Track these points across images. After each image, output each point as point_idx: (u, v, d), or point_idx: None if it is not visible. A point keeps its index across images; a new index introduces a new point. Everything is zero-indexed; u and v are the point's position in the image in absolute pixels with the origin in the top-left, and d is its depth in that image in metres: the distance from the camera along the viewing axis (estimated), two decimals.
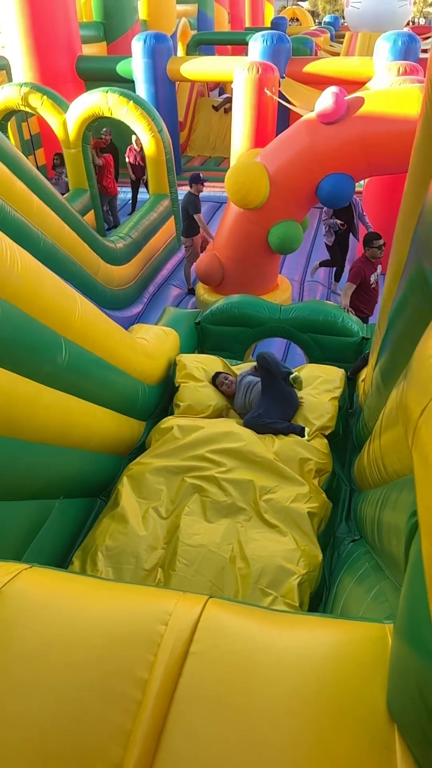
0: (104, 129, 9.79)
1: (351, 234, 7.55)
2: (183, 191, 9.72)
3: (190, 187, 7.52)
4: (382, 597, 2.01)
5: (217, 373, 4.53)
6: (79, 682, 1.21)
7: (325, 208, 7.53)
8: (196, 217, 7.52)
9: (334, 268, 8.23)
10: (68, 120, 8.02)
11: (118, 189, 10.03)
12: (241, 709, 1.15)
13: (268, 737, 1.12)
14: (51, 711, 1.17)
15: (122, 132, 9.55)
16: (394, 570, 1.98)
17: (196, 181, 7.49)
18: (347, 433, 4.44)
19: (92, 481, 3.57)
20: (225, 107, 14.25)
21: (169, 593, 1.46)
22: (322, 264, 8.04)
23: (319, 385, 4.35)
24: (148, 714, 1.11)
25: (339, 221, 7.30)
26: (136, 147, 9.53)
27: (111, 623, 1.35)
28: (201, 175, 7.64)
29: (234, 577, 2.85)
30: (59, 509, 3.12)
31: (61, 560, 3.12)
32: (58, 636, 1.32)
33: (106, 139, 9.69)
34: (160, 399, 4.51)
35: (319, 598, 3.02)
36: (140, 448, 4.02)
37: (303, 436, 3.87)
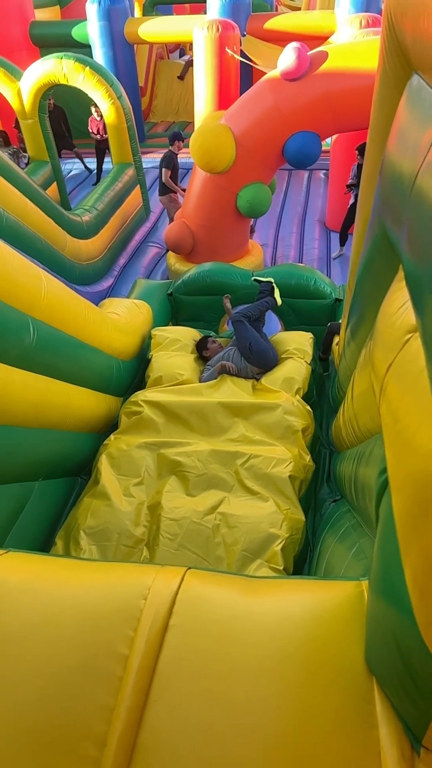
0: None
1: None
2: (147, 159, 9.44)
3: (171, 145, 7.36)
4: (362, 554, 2.04)
5: (206, 336, 4.62)
6: (62, 663, 1.21)
7: (352, 171, 7.26)
8: (163, 171, 7.38)
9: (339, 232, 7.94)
10: (22, 89, 7.71)
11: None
12: (223, 676, 1.16)
13: (249, 701, 1.13)
14: (35, 693, 1.17)
15: (78, 97, 9.15)
16: (370, 526, 2.01)
17: (177, 138, 7.33)
18: (323, 396, 4.47)
19: (71, 461, 3.55)
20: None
21: (148, 568, 1.46)
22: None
23: (293, 353, 4.39)
24: (130, 689, 1.12)
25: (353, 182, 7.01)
26: (96, 117, 9.20)
27: (91, 602, 1.35)
28: (182, 132, 7.43)
29: (218, 545, 2.88)
30: (39, 491, 3.10)
31: (44, 542, 3.11)
32: (39, 618, 1.32)
33: (49, 103, 9.27)
34: (136, 374, 4.47)
35: (303, 560, 3.07)
36: (118, 424, 4.00)
37: (274, 297, 4.57)
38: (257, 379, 4.21)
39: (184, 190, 7.32)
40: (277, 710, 1.13)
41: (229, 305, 4.95)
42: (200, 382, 4.22)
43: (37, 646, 1.25)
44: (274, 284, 4.78)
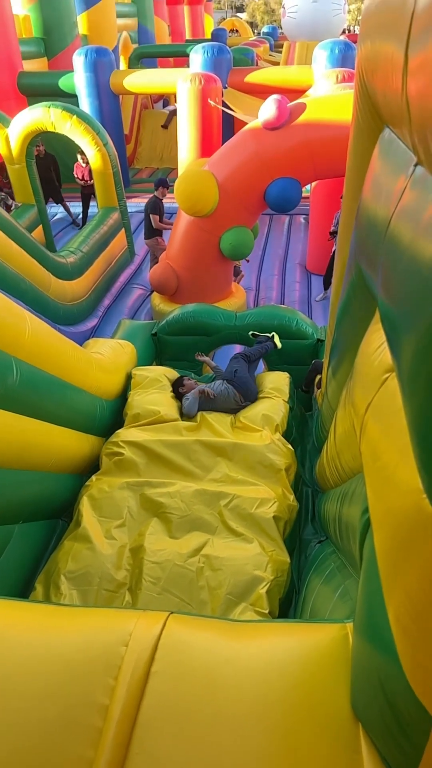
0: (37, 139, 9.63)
1: None
2: (132, 204, 9.67)
3: (156, 191, 7.58)
4: (347, 596, 2.02)
5: (182, 377, 4.63)
6: (38, 714, 1.16)
7: (335, 219, 7.41)
8: (151, 217, 7.58)
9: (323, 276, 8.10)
10: (10, 135, 7.91)
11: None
12: (207, 723, 1.12)
13: (234, 749, 1.09)
14: (9, 746, 1.12)
15: (66, 144, 9.40)
16: (355, 567, 1.99)
17: (162, 185, 7.58)
18: (305, 434, 4.48)
19: (53, 503, 3.49)
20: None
21: (129, 613, 1.42)
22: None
23: (270, 392, 4.45)
24: (110, 741, 1.08)
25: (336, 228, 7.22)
26: (82, 164, 9.42)
27: (70, 650, 1.31)
28: (167, 179, 7.67)
29: (202, 589, 2.82)
30: (19, 534, 3.03)
31: (24, 587, 3.02)
32: (15, 668, 1.27)
33: (40, 150, 9.50)
34: (119, 414, 4.45)
35: (289, 602, 3.01)
36: (99, 465, 3.95)
37: (274, 343, 4.84)
38: (240, 407, 4.28)
39: (172, 223, 7.53)
40: (262, 759, 1.10)
41: (204, 357, 5.06)
42: (182, 410, 4.23)
43: (12, 697, 1.21)
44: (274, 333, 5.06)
